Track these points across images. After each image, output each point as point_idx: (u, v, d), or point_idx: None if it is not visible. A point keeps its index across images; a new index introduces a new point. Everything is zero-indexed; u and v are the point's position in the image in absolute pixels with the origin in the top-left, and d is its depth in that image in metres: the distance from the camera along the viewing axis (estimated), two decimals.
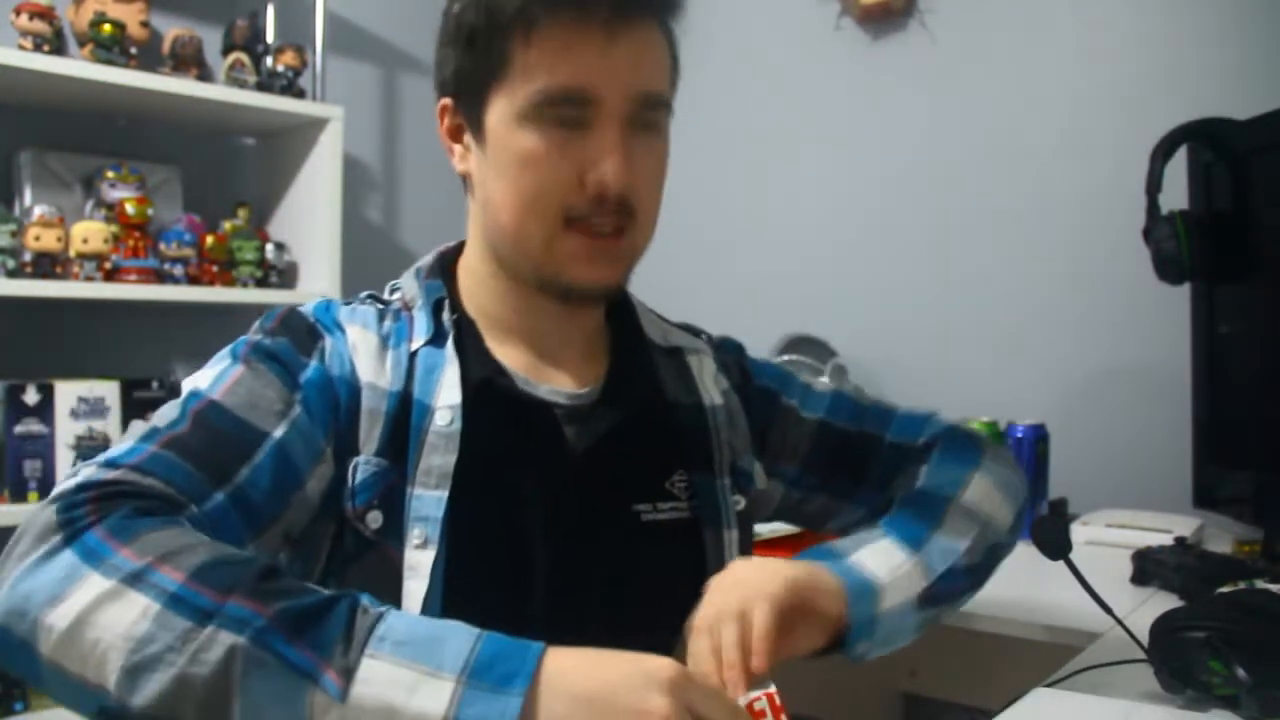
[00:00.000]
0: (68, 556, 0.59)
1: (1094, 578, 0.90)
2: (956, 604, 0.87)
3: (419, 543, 0.77)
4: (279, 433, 0.74)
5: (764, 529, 1.46)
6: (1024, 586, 1.23)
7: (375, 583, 0.76)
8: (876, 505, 0.94)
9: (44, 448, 1.72)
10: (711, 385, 0.95)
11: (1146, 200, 1.37)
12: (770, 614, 0.69)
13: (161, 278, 1.85)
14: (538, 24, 0.77)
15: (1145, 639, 0.85)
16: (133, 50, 1.82)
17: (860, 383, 1.89)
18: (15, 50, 1.69)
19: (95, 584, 0.57)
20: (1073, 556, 0.90)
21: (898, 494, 0.91)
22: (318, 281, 2.03)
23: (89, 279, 1.76)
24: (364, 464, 0.79)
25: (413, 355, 0.83)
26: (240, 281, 1.96)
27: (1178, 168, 1.42)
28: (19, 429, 1.69)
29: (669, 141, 0.85)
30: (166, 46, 1.94)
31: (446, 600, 0.76)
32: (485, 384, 0.83)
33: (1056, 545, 0.91)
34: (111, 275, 1.80)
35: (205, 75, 1.99)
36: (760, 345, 1.10)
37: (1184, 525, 1.47)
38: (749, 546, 0.94)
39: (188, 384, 0.77)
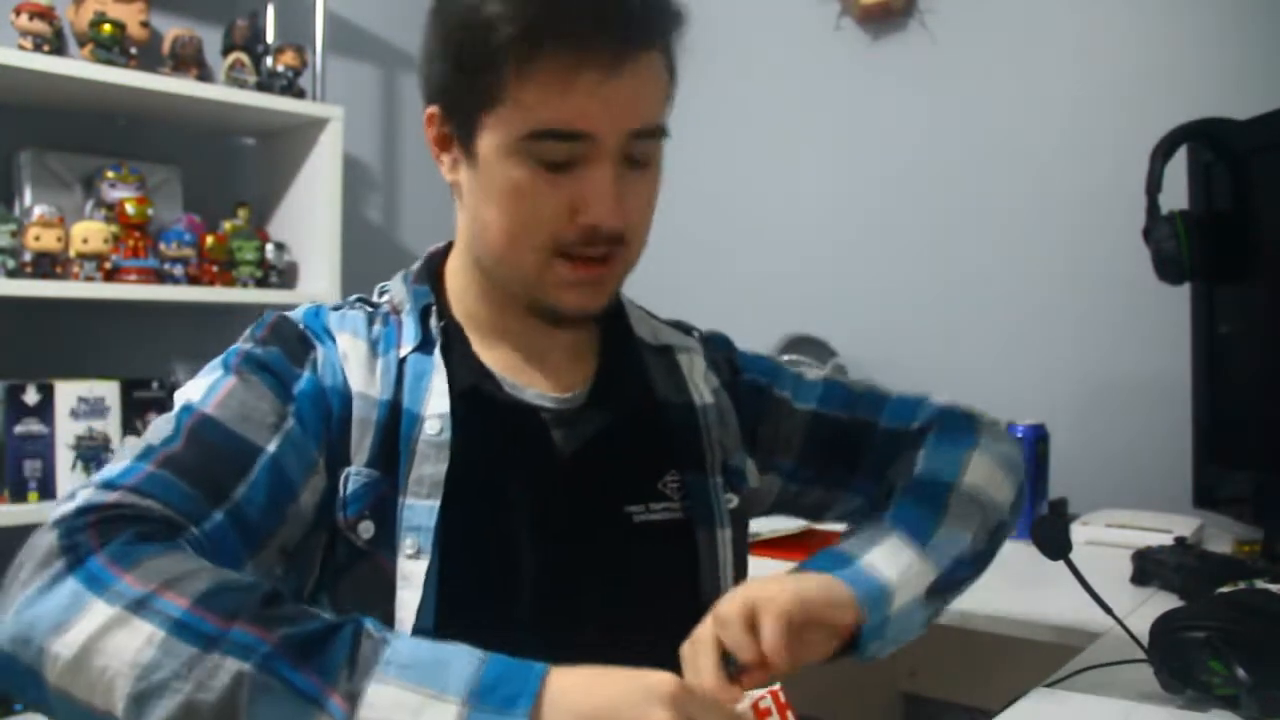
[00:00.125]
0: (71, 584, 0.59)
1: (1094, 578, 0.90)
2: (961, 591, 0.87)
3: (411, 552, 0.77)
4: (273, 447, 0.74)
5: (764, 528, 1.46)
6: (1024, 586, 1.23)
7: (367, 593, 0.76)
8: (874, 493, 0.93)
9: (44, 448, 1.72)
10: (702, 384, 0.94)
11: (1146, 200, 1.37)
12: (780, 625, 0.68)
13: (161, 278, 1.85)
14: (535, 58, 0.73)
15: (1145, 639, 0.86)
16: (133, 50, 1.82)
17: None
18: (15, 50, 1.69)
19: (100, 611, 0.57)
20: (1073, 556, 0.90)
21: (897, 481, 0.90)
22: (318, 281, 2.02)
23: (89, 279, 1.76)
24: (355, 474, 0.78)
25: (401, 362, 0.83)
26: (240, 282, 1.96)
27: (1178, 168, 1.42)
28: (19, 429, 1.69)
29: (662, 164, 0.83)
30: (166, 46, 1.94)
31: (440, 609, 0.76)
32: (472, 390, 0.83)
33: (1056, 545, 0.91)
34: (111, 275, 1.80)
35: (205, 75, 1.99)
36: (760, 345, 1.10)
37: (1184, 525, 1.47)
38: (744, 545, 0.94)
39: (180, 396, 0.76)
